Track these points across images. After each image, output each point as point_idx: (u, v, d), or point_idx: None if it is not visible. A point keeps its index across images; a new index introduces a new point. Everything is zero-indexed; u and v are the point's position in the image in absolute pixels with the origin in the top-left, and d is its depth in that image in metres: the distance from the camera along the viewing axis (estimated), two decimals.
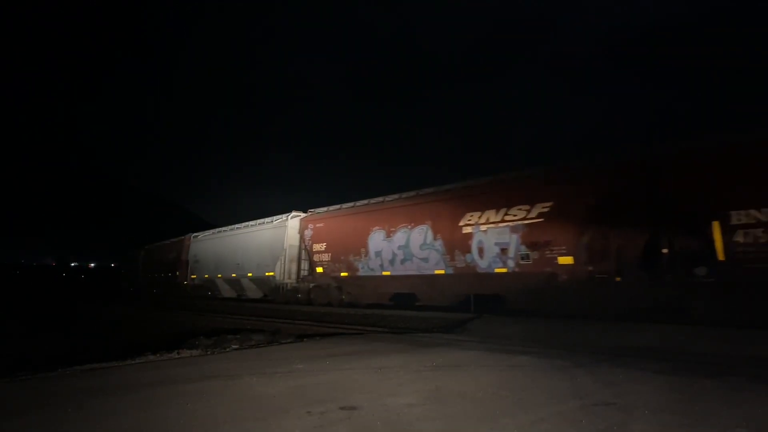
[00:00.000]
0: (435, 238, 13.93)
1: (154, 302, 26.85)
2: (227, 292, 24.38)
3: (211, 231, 26.93)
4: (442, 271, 13.64)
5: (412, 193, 15.76)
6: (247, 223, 23.47)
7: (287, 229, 19.59)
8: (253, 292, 22.34)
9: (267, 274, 20.25)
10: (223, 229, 25.68)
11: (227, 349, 8.40)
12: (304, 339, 9.39)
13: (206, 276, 25.53)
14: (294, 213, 19.87)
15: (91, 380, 5.54)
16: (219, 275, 24.17)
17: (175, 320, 17.14)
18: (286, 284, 19.43)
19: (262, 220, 22.18)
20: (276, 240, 20.08)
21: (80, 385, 5.22)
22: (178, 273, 28.97)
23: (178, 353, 7.85)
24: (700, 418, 3.62)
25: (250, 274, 21.64)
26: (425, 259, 14.12)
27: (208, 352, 8.03)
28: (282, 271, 19.45)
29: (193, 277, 27.12)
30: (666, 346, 7.44)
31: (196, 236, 28.19)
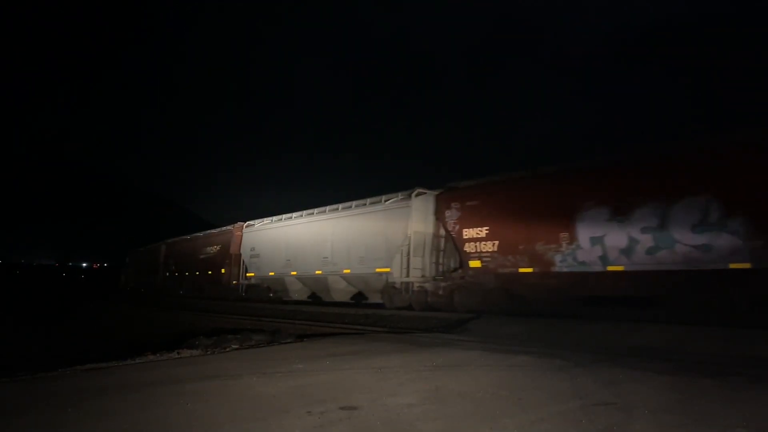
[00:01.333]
0: (727, 214, 9.15)
1: (154, 302, 26.79)
2: (300, 293, 20.11)
3: (277, 217, 21.40)
4: (746, 265, 9.01)
5: (665, 146, 11.28)
6: (336, 206, 18.39)
7: (411, 211, 14.90)
8: (341, 294, 18.17)
9: (377, 270, 15.59)
10: (297, 214, 20.20)
11: (227, 349, 8.39)
12: (304, 339, 9.38)
13: (271, 274, 20.50)
14: (419, 190, 15.44)
15: (91, 380, 5.54)
16: (292, 272, 19.28)
17: (175, 320, 17.14)
18: (410, 283, 14.95)
19: (363, 201, 17.19)
20: (393, 226, 15.32)
21: (80, 385, 5.22)
22: (223, 270, 24.29)
23: (178, 353, 7.85)
24: (700, 418, 3.62)
25: (346, 271, 16.94)
26: (703, 247, 9.42)
27: (208, 352, 8.03)
28: (401, 267, 14.91)
29: (249, 275, 22.20)
30: (666, 346, 7.44)
31: (251, 225, 22.92)
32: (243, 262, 22.74)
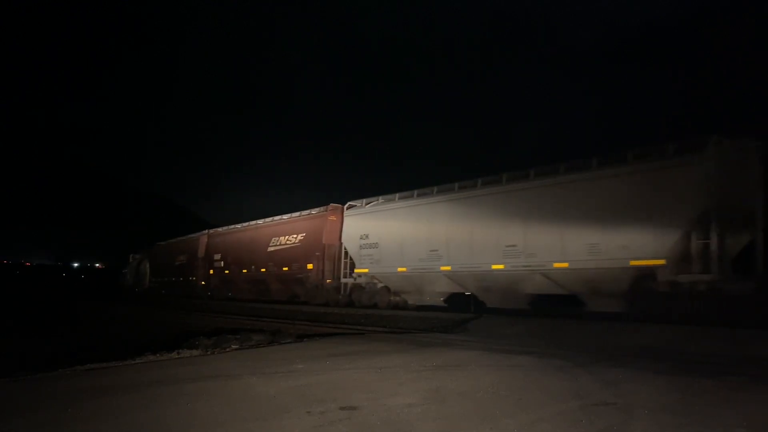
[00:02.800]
0: None
1: (154, 302, 26.77)
2: (440, 292, 14.74)
3: (406, 194, 15.64)
4: None
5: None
6: (516, 172, 12.98)
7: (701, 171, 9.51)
8: (511, 297, 12.80)
9: (633, 263, 10.17)
10: (446, 188, 14.60)
11: (227, 349, 8.39)
12: (304, 339, 9.38)
13: (401, 270, 15.11)
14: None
15: (91, 380, 5.54)
16: (446, 267, 13.94)
17: (175, 320, 17.13)
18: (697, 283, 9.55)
19: (572, 163, 11.79)
20: (652, 198, 10.12)
21: (80, 385, 5.22)
22: (310, 267, 18.70)
23: (178, 353, 7.85)
24: (700, 418, 3.62)
25: (560, 265, 11.35)
26: None
27: (208, 352, 8.03)
28: (679, 253, 9.75)
29: (361, 271, 16.52)
30: (666, 346, 7.45)
31: (354, 206, 17.30)
32: (347, 254, 17.33)
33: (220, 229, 26.76)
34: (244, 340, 9.32)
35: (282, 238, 20.80)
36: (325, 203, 19.17)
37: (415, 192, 15.32)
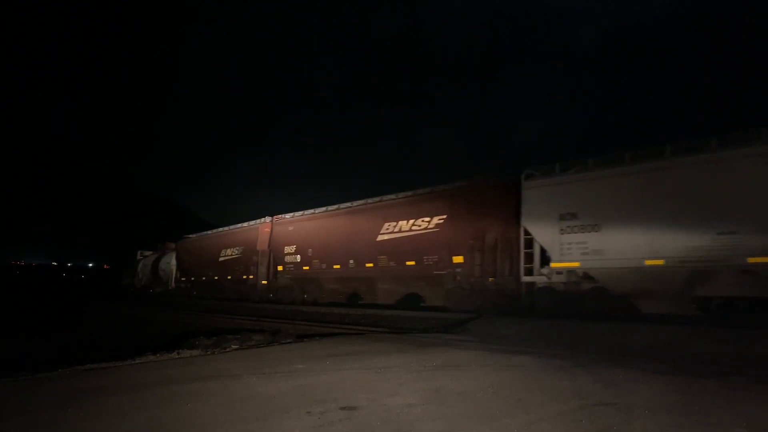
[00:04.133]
0: None
1: (154, 302, 26.75)
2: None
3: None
4: None
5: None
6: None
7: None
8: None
9: None
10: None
11: (227, 349, 8.40)
12: (304, 339, 9.38)
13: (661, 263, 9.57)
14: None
15: (91, 380, 5.54)
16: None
17: (175, 320, 17.13)
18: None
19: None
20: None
21: (80, 385, 5.22)
22: (459, 261, 13.43)
23: (178, 353, 7.85)
24: (700, 418, 3.62)
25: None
26: None
27: (208, 352, 8.03)
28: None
29: (562, 266, 11.02)
30: (666, 346, 7.44)
31: (544, 173, 12.06)
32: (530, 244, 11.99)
33: (292, 215, 20.74)
34: (244, 340, 9.34)
35: (405, 222, 14.92)
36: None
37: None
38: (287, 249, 19.99)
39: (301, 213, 20.37)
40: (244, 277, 22.26)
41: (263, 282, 21.24)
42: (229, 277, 23.84)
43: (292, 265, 19.72)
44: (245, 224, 23.84)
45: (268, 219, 22.05)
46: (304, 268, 19.00)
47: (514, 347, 7.43)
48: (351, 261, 16.70)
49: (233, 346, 8.69)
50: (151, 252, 36.61)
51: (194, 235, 29.50)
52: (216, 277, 25.07)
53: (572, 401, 4.14)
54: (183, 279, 29.10)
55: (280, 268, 20.44)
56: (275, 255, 20.78)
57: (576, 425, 3.49)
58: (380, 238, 15.69)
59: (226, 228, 26.17)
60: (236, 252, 23.57)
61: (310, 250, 18.75)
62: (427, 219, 14.49)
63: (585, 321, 9.91)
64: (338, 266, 17.21)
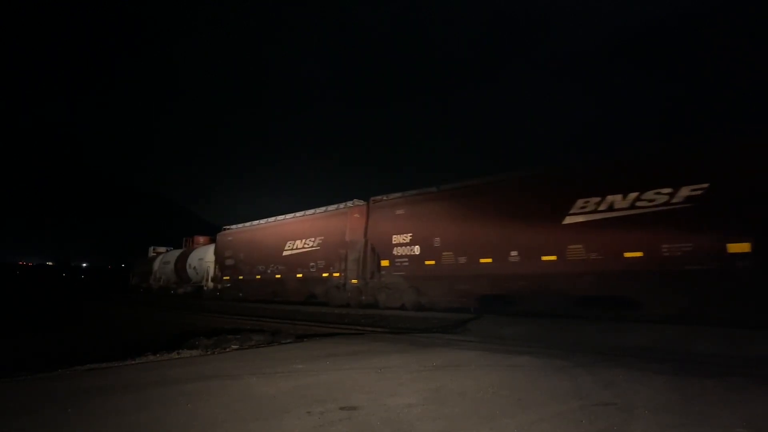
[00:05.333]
0: None
1: (153, 302, 26.68)
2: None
3: None
4: None
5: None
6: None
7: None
8: None
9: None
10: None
11: (227, 349, 8.39)
12: (304, 339, 9.38)
13: None
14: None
15: (91, 380, 5.54)
16: None
17: (175, 320, 17.13)
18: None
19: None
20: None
21: (80, 385, 5.22)
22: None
23: (178, 353, 7.85)
24: (700, 418, 3.62)
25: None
26: None
27: (208, 352, 8.03)
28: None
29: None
30: (666, 346, 7.44)
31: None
32: None
33: (402, 195, 15.97)
34: (244, 340, 9.33)
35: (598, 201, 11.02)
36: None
37: None
38: (397, 238, 15.37)
39: (415, 192, 15.68)
40: (325, 275, 17.73)
41: (353, 281, 16.67)
42: (299, 275, 19.12)
43: (405, 260, 15.01)
44: (324, 209, 19.21)
45: (359, 202, 17.62)
46: (427, 263, 14.45)
47: (514, 347, 7.44)
48: (513, 253, 12.37)
49: (233, 346, 8.69)
50: (165, 248, 33.52)
51: (240, 226, 24.47)
52: (277, 276, 20.37)
53: (572, 401, 4.14)
54: (226, 278, 24.01)
55: (385, 262, 15.68)
56: (375, 246, 16.08)
57: (576, 425, 3.49)
58: (572, 220, 11.37)
59: (290, 216, 21.17)
60: (310, 244, 18.92)
61: (437, 239, 14.25)
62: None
63: (585, 321, 9.92)
64: (488, 260, 12.91)
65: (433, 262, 14.30)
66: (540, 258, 11.78)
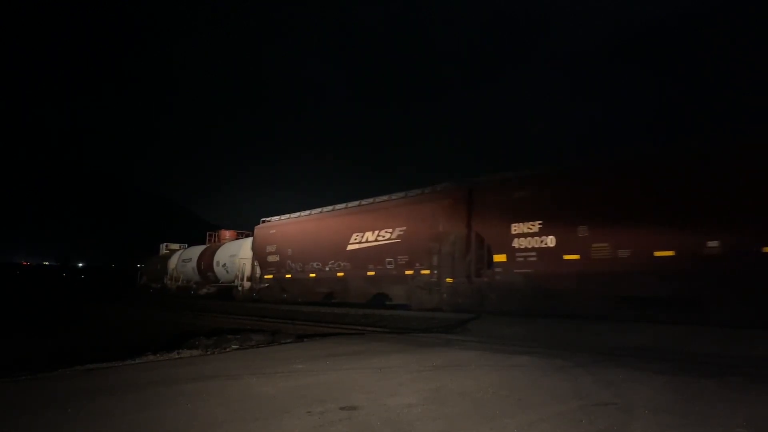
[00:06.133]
0: None
1: (154, 302, 26.59)
2: None
3: None
4: None
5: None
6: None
7: None
8: None
9: None
10: None
11: (227, 349, 8.39)
12: (304, 339, 9.38)
13: None
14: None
15: (91, 380, 5.54)
16: None
17: (175, 320, 17.13)
18: None
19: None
20: None
21: (80, 385, 5.22)
22: None
23: (178, 353, 7.85)
24: (700, 418, 3.62)
25: None
26: None
27: (208, 352, 8.03)
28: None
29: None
30: (666, 346, 7.45)
31: None
32: None
33: (516, 174, 13.22)
34: (244, 340, 9.33)
35: None
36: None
37: None
38: (518, 227, 12.33)
39: (547, 169, 12.83)
40: (408, 272, 14.84)
41: (448, 279, 13.72)
42: (370, 273, 16.14)
43: (533, 254, 11.95)
44: (404, 194, 16.13)
45: (452, 184, 14.83)
46: (567, 257, 11.33)
47: (513, 347, 7.43)
48: (712, 243, 9.34)
49: (233, 346, 8.69)
50: (179, 245, 30.67)
51: (286, 217, 21.18)
52: (339, 274, 17.40)
53: (572, 401, 4.14)
54: (268, 276, 21.10)
55: (500, 257, 12.59)
56: (485, 238, 13.15)
57: (576, 425, 3.49)
58: None
59: (355, 203, 18.00)
60: (386, 236, 15.81)
61: (584, 228, 11.08)
62: None
63: (585, 321, 9.92)
64: (669, 252, 9.89)
65: (576, 257, 11.16)
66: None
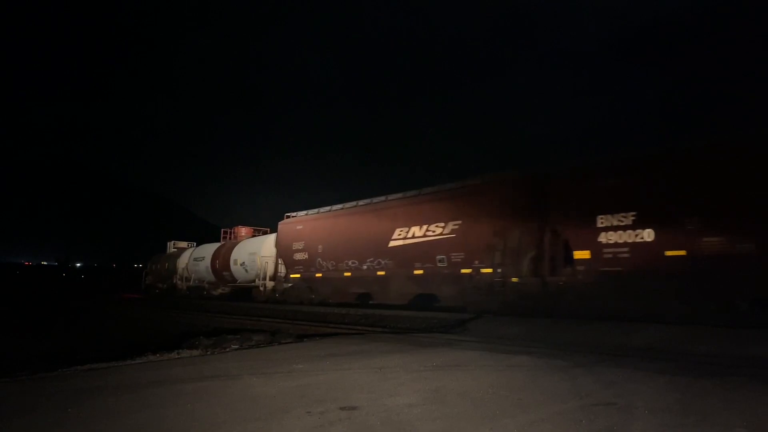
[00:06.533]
0: None
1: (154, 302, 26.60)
2: None
3: None
4: None
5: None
6: None
7: None
8: None
9: None
10: None
11: (227, 349, 8.40)
12: (304, 339, 9.39)
13: None
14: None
15: (91, 380, 5.54)
16: None
17: (175, 320, 17.14)
18: None
19: None
20: None
21: (80, 385, 5.22)
22: None
23: (178, 353, 7.85)
24: (700, 418, 3.62)
25: None
26: None
27: (208, 352, 8.04)
28: None
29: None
30: (666, 346, 7.44)
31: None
32: None
33: (598, 160, 11.94)
34: (244, 340, 9.34)
35: None
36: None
37: None
38: (607, 219, 10.59)
39: (622, 156, 11.29)
40: (466, 270, 13.29)
41: (513, 279, 12.20)
42: (417, 271, 14.61)
43: (625, 250, 10.32)
44: (460, 184, 14.49)
45: (518, 173, 13.27)
46: (670, 253, 9.75)
47: (513, 347, 7.43)
48: None
49: (233, 346, 8.69)
50: (187, 243, 29.25)
51: (313, 212, 19.66)
52: (380, 273, 15.77)
53: (572, 401, 4.14)
54: (295, 276, 19.53)
55: (582, 253, 10.92)
56: (561, 232, 11.41)
57: (576, 425, 3.49)
58: None
59: (398, 195, 16.24)
60: (437, 231, 14.19)
61: (694, 220, 9.55)
62: None
63: (585, 321, 9.92)
64: None
65: (681, 252, 9.61)
66: None
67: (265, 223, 26.68)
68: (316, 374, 5.46)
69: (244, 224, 26.88)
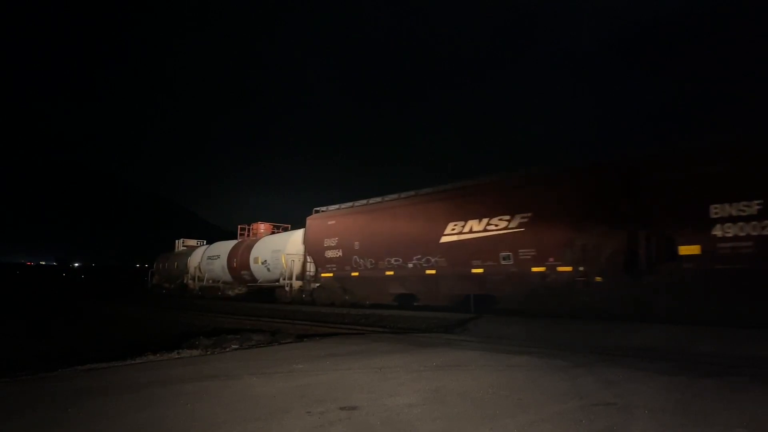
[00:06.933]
0: None
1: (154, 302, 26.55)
2: None
3: None
4: None
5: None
6: None
7: None
8: None
9: None
10: None
11: (227, 349, 8.39)
12: (304, 339, 9.38)
13: None
14: None
15: (91, 380, 5.54)
16: None
17: (175, 320, 17.13)
18: None
19: None
20: None
21: (80, 385, 5.22)
22: None
23: (178, 353, 7.84)
24: (700, 418, 3.62)
25: None
26: None
27: (208, 352, 8.03)
28: None
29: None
30: (666, 346, 7.44)
31: None
32: None
33: (709, 142, 10.21)
34: (244, 340, 9.34)
35: None
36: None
37: None
38: (719, 210, 9.31)
39: (737, 138, 9.80)
40: (537, 269, 11.89)
41: (597, 278, 10.85)
42: (475, 270, 13.19)
43: (748, 244, 8.96)
44: (525, 172, 13.24)
45: (602, 160, 11.98)
46: None
47: (513, 347, 7.43)
48: None
49: (233, 346, 8.69)
50: (196, 241, 27.70)
51: (346, 205, 18.18)
52: (430, 271, 14.35)
53: (572, 401, 4.14)
54: (327, 275, 18.03)
55: (691, 248, 9.60)
56: (665, 226, 10.00)
57: (576, 425, 3.49)
58: None
59: (447, 186, 15.00)
60: (501, 225, 12.64)
61: None
62: None
63: (585, 321, 9.91)
64: None
65: None
66: None
67: (270, 222, 25.93)
68: (316, 374, 5.46)
69: (245, 223, 25.73)
